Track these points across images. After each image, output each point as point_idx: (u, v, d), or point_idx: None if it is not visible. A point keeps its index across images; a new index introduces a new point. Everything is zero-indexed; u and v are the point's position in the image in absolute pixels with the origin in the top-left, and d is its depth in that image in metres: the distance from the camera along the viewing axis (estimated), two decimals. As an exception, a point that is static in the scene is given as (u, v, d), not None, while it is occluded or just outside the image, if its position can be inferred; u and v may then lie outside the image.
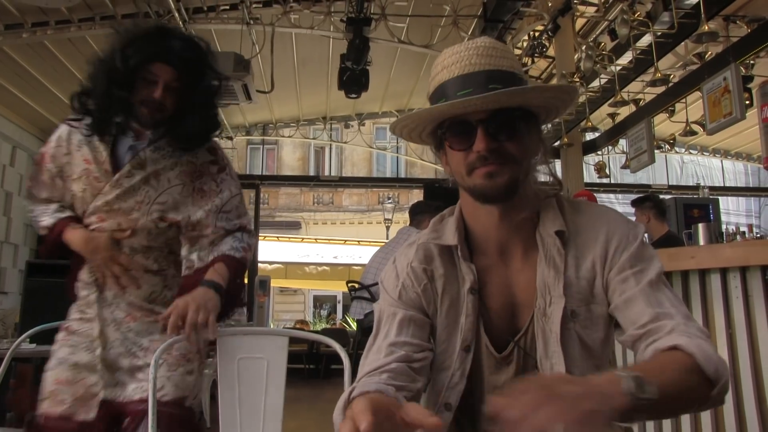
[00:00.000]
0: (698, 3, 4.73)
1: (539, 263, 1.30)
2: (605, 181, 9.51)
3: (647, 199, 5.71)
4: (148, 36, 2.01)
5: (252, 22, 6.68)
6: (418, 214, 5.05)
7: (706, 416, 2.37)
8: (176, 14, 6.32)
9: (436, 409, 1.32)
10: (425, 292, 1.37)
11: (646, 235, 5.39)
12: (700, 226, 3.35)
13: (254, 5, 6.73)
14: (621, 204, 12.94)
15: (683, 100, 6.85)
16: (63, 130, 2.15)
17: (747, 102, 5.42)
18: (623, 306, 1.24)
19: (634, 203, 5.80)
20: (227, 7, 6.81)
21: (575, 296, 1.27)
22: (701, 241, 3.30)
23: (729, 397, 2.29)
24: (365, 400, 0.98)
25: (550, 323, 1.26)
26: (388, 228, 16.65)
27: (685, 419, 2.46)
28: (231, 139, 10.80)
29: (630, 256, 1.26)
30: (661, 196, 7.49)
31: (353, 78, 6.60)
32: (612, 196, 12.99)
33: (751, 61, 6.49)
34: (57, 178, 2.12)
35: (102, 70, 2.04)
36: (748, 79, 6.44)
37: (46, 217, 2.15)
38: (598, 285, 1.28)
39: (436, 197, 7.53)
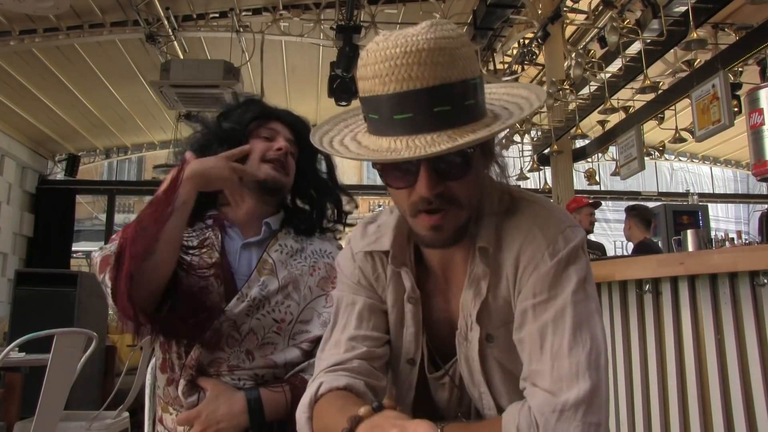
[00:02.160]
0: (687, 11, 4.76)
1: (465, 282, 1.17)
2: (595, 188, 9.54)
3: (634, 208, 5.98)
4: (252, 101, 1.88)
5: (241, 30, 6.68)
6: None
7: (694, 419, 2.37)
8: (166, 22, 6.31)
9: None
10: (378, 281, 1.27)
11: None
12: (689, 232, 3.36)
13: (244, 13, 6.73)
14: (612, 211, 12.99)
15: (672, 108, 6.91)
16: None
17: (735, 109, 5.46)
18: (519, 345, 1.11)
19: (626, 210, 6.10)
20: (217, 15, 6.80)
21: (492, 318, 1.15)
22: (690, 248, 3.32)
23: (717, 402, 2.29)
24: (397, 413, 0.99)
25: (471, 349, 1.17)
26: (379, 236, 16.60)
27: (674, 422, 2.45)
28: (221, 147, 10.75)
29: (537, 280, 1.08)
30: (651, 203, 7.53)
31: (343, 86, 6.60)
32: (601, 201, 13.01)
33: (740, 69, 6.55)
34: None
35: (199, 139, 1.79)
36: (737, 86, 6.49)
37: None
38: (513, 305, 1.13)
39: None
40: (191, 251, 1.63)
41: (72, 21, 6.33)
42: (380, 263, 1.27)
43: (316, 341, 1.58)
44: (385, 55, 0.98)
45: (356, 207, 1.93)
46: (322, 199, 1.87)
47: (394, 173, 1.06)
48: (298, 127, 1.84)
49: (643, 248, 5.46)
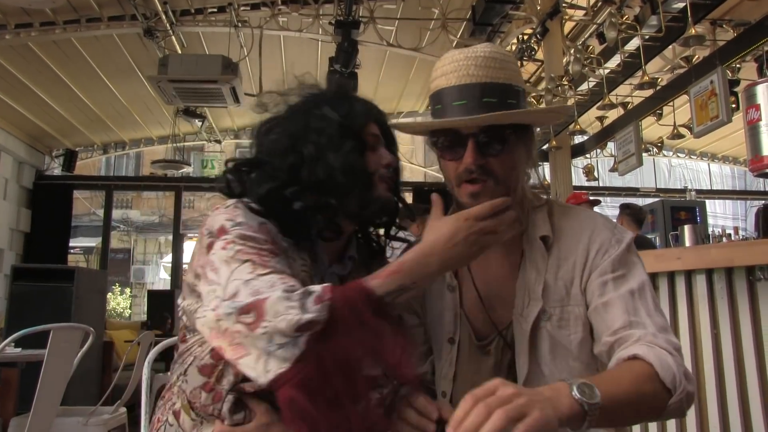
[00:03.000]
0: (685, 7, 4.76)
1: (523, 266, 1.35)
2: (594, 184, 9.54)
3: (628, 207, 6.01)
4: (347, 84, 1.48)
5: (240, 24, 6.67)
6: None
7: (690, 413, 2.38)
8: (163, 17, 6.30)
9: (438, 397, 1.40)
10: None
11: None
12: (686, 227, 3.36)
13: (242, 8, 6.71)
14: (609, 207, 12.99)
15: (671, 104, 6.91)
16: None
17: (733, 105, 5.45)
18: (602, 309, 1.27)
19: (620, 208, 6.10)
20: (215, 10, 6.79)
21: (551, 297, 1.32)
22: (687, 243, 3.31)
23: (713, 396, 2.29)
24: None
25: (525, 323, 1.32)
26: (377, 232, 16.60)
27: (670, 420, 2.46)
28: (219, 142, 10.77)
29: (612, 261, 1.29)
30: (649, 199, 7.53)
31: (341, 82, 6.59)
32: (600, 198, 13.03)
33: (738, 65, 6.54)
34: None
35: (315, 136, 1.37)
36: (735, 83, 6.49)
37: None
38: (575, 286, 1.32)
39: (426, 201, 7.52)
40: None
41: (68, 15, 6.32)
42: None
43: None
44: (452, 59, 1.31)
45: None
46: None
47: (447, 147, 1.32)
48: (386, 129, 1.50)
49: (637, 243, 5.49)
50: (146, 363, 1.86)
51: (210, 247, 1.25)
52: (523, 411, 0.92)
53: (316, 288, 1.10)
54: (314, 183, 1.33)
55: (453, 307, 1.41)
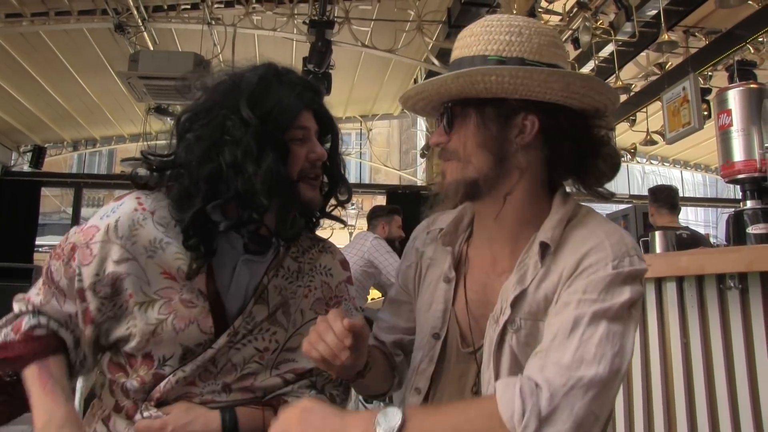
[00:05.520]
0: (659, 13, 4.78)
1: (514, 268, 1.20)
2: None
3: (650, 191, 5.60)
4: (276, 75, 1.35)
5: (213, 22, 6.58)
6: (374, 219, 5.02)
7: (659, 423, 2.35)
8: (135, 12, 6.18)
9: (409, 391, 1.29)
10: (408, 269, 1.39)
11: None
12: (657, 234, 3.34)
13: (216, 5, 6.62)
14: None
15: (644, 110, 6.95)
16: (126, 211, 1.31)
17: (705, 113, 5.49)
18: (547, 328, 1.10)
19: None
20: (188, 7, 6.68)
21: (524, 308, 1.15)
22: (658, 250, 3.30)
23: (682, 405, 2.27)
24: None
25: (494, 334, 1.17)
26: (351, 234, 16.59)
27: (639, 425, 2.43)
28: (192, 141, 10.65)
29: (592, 282, 1.08)
30: (623, 206, 7.56)
31: (315, 81, 6.53)
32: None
33: (709, 73, 6.60)
34: (89, 292, 1.28)
35: (228, 138, 1.27)
36: (707, 91, 6.55)
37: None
38: (554, 301, 1.13)
39: (398, 203, 7.50)
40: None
41: (36, 7, 6.17)
42: (434, 243, 1.36)
43: (304, 374, 1.40)
44: (470, 27, 1.21)
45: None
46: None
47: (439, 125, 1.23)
48: (321, 112, 1.44)
49: (689, 241, 4.54)
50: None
51: None
52: None
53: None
54: (234, 196, 1.26)
55: (444, 300, 1.27)
